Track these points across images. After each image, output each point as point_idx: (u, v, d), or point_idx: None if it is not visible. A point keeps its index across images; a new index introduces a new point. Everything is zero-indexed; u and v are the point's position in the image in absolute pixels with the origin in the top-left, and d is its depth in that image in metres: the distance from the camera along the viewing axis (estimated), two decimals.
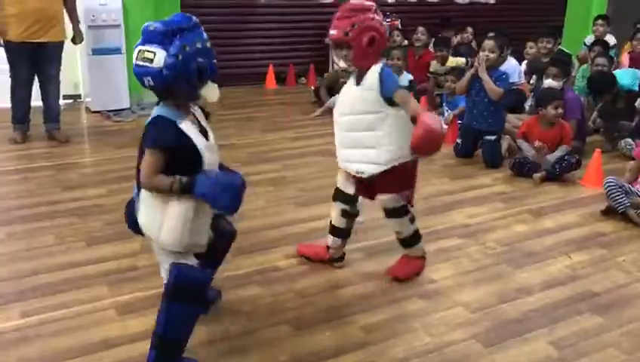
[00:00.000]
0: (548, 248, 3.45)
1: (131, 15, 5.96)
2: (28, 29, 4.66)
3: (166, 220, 2.14)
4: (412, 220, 3.00)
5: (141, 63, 2.03)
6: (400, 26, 7.39)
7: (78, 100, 6.25)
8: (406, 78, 5.71)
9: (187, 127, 2.13)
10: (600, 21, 7.16)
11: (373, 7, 2.74)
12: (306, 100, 6.65)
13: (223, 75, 6.98)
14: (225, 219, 2.48)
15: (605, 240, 3.58)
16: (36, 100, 5.06)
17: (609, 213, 3.85)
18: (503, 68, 5.13)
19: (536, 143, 4.56)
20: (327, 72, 6.88)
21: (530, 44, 6.39)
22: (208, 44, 2.10)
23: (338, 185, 3.04)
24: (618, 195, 3.79)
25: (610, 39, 6.96)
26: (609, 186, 3.83)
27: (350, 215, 3.05)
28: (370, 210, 3.75)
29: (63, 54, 5.00)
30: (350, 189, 2.99)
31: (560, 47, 6.91)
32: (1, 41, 4.74)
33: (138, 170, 2.18)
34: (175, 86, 2.06)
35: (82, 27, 5.58)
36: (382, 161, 2.80)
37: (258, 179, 4.28)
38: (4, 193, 3.96)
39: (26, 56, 4.75)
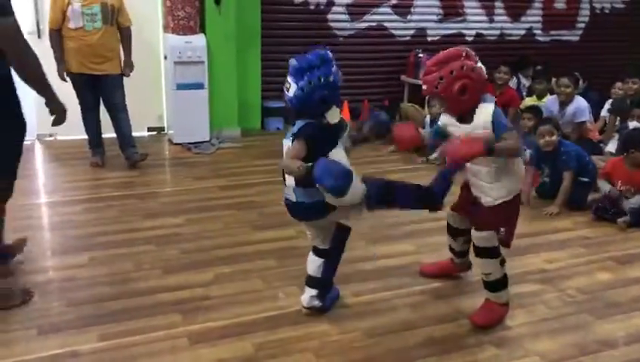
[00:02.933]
0: (634, 299, 3.24)
1: (215, 52, 6.22)
2: (85, 62, 5.02)
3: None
4: (502, 263, 2.92)
5: (285, 90, 2.64)
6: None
7: (162, 133, 6.54)
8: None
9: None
10: None
11: (463, 53, 2.72)
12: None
13: None
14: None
15: None
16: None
17: None
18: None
19: (619, 185, 4.34)
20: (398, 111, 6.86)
21: (618, 84, 6.16)
22: (331, 78, 2.59)
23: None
24: None
25: None
26: None
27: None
28: (440, 251, 3.71)
29: (150, 88, 5.27)
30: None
31: None
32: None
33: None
34: (302, 110, 2.65)
35: (169, 63, 5.90)
36: (493, 196, 2.83)
37: None
38: (88, 220, 4.16)
39: (87, 84, 5.11)
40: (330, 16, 7.19)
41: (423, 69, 7.16)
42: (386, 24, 7.44)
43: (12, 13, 2.71)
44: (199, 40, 6.03)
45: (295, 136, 2.65)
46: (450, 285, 3.31)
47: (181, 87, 5.99)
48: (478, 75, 2.72)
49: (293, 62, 2.59)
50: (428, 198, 2.87)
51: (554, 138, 4.55)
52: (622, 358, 2.71)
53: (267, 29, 6.83)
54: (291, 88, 2.58)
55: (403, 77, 7.41)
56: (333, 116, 2.66)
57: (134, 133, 5.42)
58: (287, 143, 2.70)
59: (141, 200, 4.57)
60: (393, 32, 7.50)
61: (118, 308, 2.99)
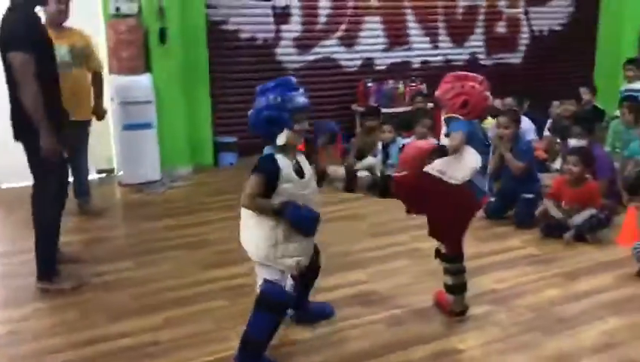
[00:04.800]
0: (582, 313, 3.30)
1: (162, 91, 6.18)
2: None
3: (259, 238, 2.70)
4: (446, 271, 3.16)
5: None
6: (425, 91, 7.45)
7: (112, 174, 6.43)
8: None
9: (282, 161, 2.68)
10: (629, 65, 7.07)
11: (479, 79, 3.04)
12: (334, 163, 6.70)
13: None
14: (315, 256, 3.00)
15: None
16: None
17: None
18: None
19: (564, 204, 4.45)
20: (353, 137, 6.93)
21: (556, 103, 6.36)
22: (279, 99, 2.64)
23: None
24: None
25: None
26: (638, 252, 3.72)
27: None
28: (393, 277, 3.72)
29: (98, 130, 5.15)
30: None
31: (594, 103, 6.88)
32: None
33: None
34: (254, 130, 2.73)
35: (116, 104, 5.84)
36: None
37: None
38: (31, 271, 4.02)
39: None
40: (278, 50, 7.24)
41: (372, 97, 7.23)
42: (334, 55, 7.53)
43: (23, 49, 3.30)
44: (145, 80, 5.99)
45: (254, 169, 2.70)
46: (400, 313, 3.31)
47: (129, 127, 5.92)
48: (483, 99, 3.02)
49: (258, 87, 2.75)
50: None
51: (508, 131, 4.75)
52: None
53: (216, 65, 6.83)
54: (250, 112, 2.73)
55: (354, 106, 7.50)
56: (281, 139, 2.68)
57: None
58: None
59: (87, 246, 4.45)
60: (341, 62, 7.60)
61: (62, 360, 2.88)
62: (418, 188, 2.99)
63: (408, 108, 7.28)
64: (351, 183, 3.16)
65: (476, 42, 8.28)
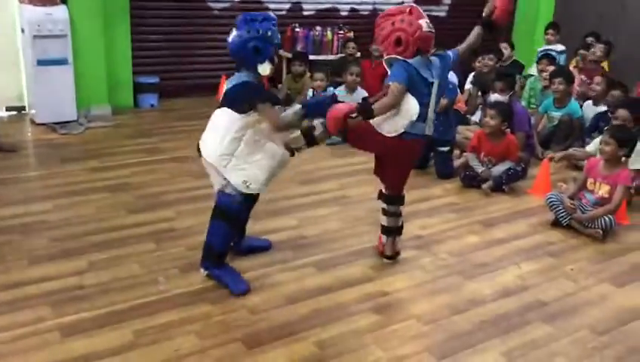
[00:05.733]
0: (498, 258, 3.50)
1: (79, 25, 5.80)
2: None
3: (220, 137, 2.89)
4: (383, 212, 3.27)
5: (228, 38, 2.87)
6: (353, 37, 7.43)
7: (23, 112, 6.03)
8: (360, 94, 5.72)
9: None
10: (550, 30, 7.38)
11: (407, 10, 2.98)
12: None
13: (175, 86, 6.96)
14: None
15: (554, 249, 3.66)
16: None
17: (558, 224, 3.94)
18: None
19: (483, 156, 4.64)
20: (280, 83, 6.85)
21: (478, 58, 6.53)
22: (269, 34, 2.82)
23: None
24: (560, 210, 3.90)
25: (559, 47, 7.20)
26: (550, 202, 3.96)
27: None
28: (322, 224, 3.78)
29: (6, 65, 4.80)
30: None
31: (514, 58, 7.12)
32: None
33: None
34: (237, 56, 2.87)
35: (27, 37, 5.44)
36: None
37: (209, 193, 4.19)
38: None
39: None
40: None
41: (300, 43, 7.09)
42: None
43: None
44: (61, 12, 5.58)
45: (257, 102, 2.82)
46: (330, 257, 3.38)
47: (42, 63, 5.53)
48: (415, 30, 2.92)
49: (240, 15, 2.87)
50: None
51: None
52: (489, 314, 2.91)
53: (136, 1, 6.47)
54: (231, 35, 2.84)
55: (281, 51, 7.36)
56: (265, 70, 2.86)
57: None
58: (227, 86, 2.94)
59: (1, 187, 4.20)
60: (269, 5, 7.40)
61: None
62: (358, 131, 2.99)
63: (336, 56, 7.26)
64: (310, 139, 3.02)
65: None
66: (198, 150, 3.04)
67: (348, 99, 5.63)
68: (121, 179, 4.42)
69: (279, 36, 2.92)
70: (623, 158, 4.03)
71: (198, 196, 4.10)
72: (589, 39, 7.28)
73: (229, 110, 2.88)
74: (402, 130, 2.98)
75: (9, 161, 4.71)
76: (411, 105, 2.97)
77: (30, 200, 3.98)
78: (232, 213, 2.96)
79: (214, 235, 2.98)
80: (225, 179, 2.91)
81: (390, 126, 2.99)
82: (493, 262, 3.44)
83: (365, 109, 2.90)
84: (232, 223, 2.99)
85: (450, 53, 3.21)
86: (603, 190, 3.91)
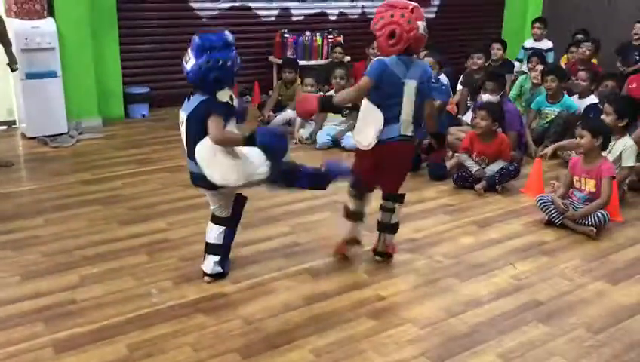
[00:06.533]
0: (493, 259, 3.49)
1: (67, 38, 5.78)
2: None
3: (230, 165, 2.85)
4: (349, 193, 3.32)
5: (183, 62, 2.82)
6: (342, 42, 7.43)
7: (13, 126, 6.01)
8: None
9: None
10: (537, 24, 7.40)
11: (410, 7, 2.98)
12: (251, 117, 6.59)
13: (166, 96, 6.94)
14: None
15: (548, 248, 3.65)
16: None
17: (551, 223, 3.93)
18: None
19: (475, 156, 4.64)
20: (271, 89, 6.85)
21: (469, 57, 6.55)
22: (229, 63, 2.80)
23: None
24: (552, 211, 3.90)
25: (548, 43, 7.22)
26: (541, 204, 3.97)
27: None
28: (315, 230, 3.76)
29: None
30: None
31: (505, 57, 7.13)
32: None
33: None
34: (196, 85, 2.84)
35: (14, 51, 5.40)
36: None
37: (202, 202, 4.17)
38: None
39: None
40: None
41: (289, 49, 7.10)
42: (250, 4, 7.31)
43: None
44: (48, 24, 5.56)
45: (211, 112, 2.79)
46: (324, 263, 3.36)
47: (31, 76, 5.51)
48: (411, 28, 2.95)
49: (196, 39, 2.78)
50: (322, 181, 3.19)
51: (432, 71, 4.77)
52: (485, 315, 2.90)
53: (124, 11, 6.46)
54: (189, 62, 2.78)
55: (271, 57, 7.37)
56: (223, 96, 2.84)
57: None
58: (183, 115, 2.92)
59: None
60: (257, 12, 7.40)
61: None
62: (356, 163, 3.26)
63: (325, 61, 7.26)
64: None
65: None
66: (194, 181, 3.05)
67: None
68: (113, 191, 4.40)
69: (239, 60, 2.88)
70: (604, 153, 4.05)
71: (190, 206, 4.09)
72: (579, 36, 7.31)
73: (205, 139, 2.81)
74: (376, 140, 3.04)
75: (1, 175, 4.68)
76: (376, 115, 3.04)
77: (22, 215, 3.95)
78: (233, 217, 3.12)
79: (215, 237, 3.10)
80: (218, 202, 3.04)
81: (364, 139, 3.09)
82: (489, 263, 3.44)
83: (326, 99, 3.11)
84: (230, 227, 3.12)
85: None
86: (589, 185, 3.92)
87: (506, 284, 3.20)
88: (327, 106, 3.12)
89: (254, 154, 2.87)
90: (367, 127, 3.07)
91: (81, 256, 3.38)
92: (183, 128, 2.93)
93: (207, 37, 2.79)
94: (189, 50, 2.79)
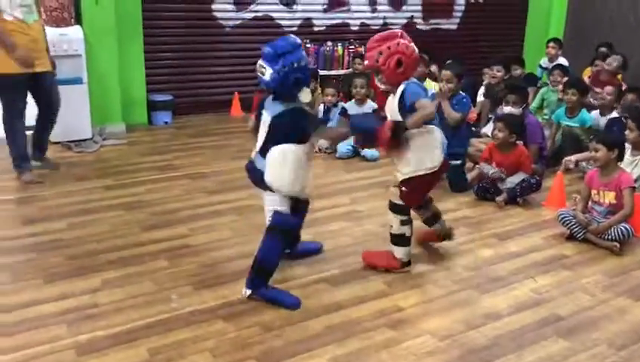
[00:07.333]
0: (514, 272, 3.47)
1: (93, 45, 5.90)
2: (32, 60, 4.50)
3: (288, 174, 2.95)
4: (403, 223, 3.27)
5: (259, 74, 2.91)
6: (364, 52, 7.46)
7: None
8: (369, 106, 5.75)
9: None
10: (552, 44, 7.38)
11: (399, 34, 3.11)
12: None
13: (189, 103, 7.02)
14: None
15: (569, 262, 3.62)
16: None
17: (573, 237, 3.90)
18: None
19: (494, 167, 4.61)
20: None
21: (486, 70, 6.54)
22: (303, 63, 2.91)
23: None
24: (573, 225, 3.86)
25: (563, 61, 7.17)
26: (563, 219, 3.93)
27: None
28: (334, 239, 3.77)
29: None
30: None
31: (526, 71, 7.08)
32: None
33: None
34: (279, 91, 2.93)
35: None
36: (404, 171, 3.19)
37: (223, 209, 4.23)
38: None
39: (25, 86, 4.60)
40: (214, 6, 7.03)
41: (311, 59, 7.12)
42: (272, 14, 7.39)
43: None
44: (75, 32, 5.68)
45: (313, 129, 3.06)
46: (343, 272, 3.37)
47: (57, 82, 5.60)
48: (412, 52, 3.10)
49: (267, 48, 2.87)
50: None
51: (451, 85, 4.77)
52: (505, 328, 2.88)
53: (149, 20, 6.57)
54: (267, 72, 2.86)
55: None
56: (305, 96, 2.95)
57: None
58: (266, 115, 3.00)
59: (17, 206, 4.25)
60: (280, 22, 7.47)
61: None
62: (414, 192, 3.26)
63: (346, 71, 7.29)
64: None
65: (414, 7, 8.32)
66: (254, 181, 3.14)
67: (357, 111, 5.68)
68: (135, 197, 4.45)
69: (307, 57, 3.05)
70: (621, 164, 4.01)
71: (212, 212, 4.13)
72: (603, 49, 7.26)
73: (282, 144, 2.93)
74: (442, 159, 3.17)
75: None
76: (436, 135, 3.17)
77: (46, 218, 4.02)
78: (291, 229, 3.11)
79: (268, 253, 3.01)
80: (277, 199, 3.01)
81: (430, 161, 3.15)
82: (509, 276, 3.41)
83: (399, 125, 3.05)
84: (286, 239, 3.08)
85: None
86: (609, 197, 3.88)
87: (526, 298, 3.18)
88: (401, 133, 3.07)
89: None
90: (430, 150, 3.15)
91: (103, 260, 3.42)
92: (264, 127, 3.02)
93: (276, 44, 2.88)
94: (262, 62, 2.87)
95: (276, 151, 2.93)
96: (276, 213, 3.01)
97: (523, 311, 3.04)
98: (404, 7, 8.25)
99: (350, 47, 7.63)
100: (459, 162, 4.79)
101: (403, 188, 3.19)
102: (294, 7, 7.49)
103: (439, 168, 3.21)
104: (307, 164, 3.03)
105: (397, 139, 3.07)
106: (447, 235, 3.63)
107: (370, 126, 3.16)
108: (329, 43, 7.57)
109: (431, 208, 3.54)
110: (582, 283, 3.36)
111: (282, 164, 2.93)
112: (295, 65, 2.86)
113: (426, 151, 3.15)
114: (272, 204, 3.03)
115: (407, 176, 3.17)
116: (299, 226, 3.24)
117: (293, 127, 2.94)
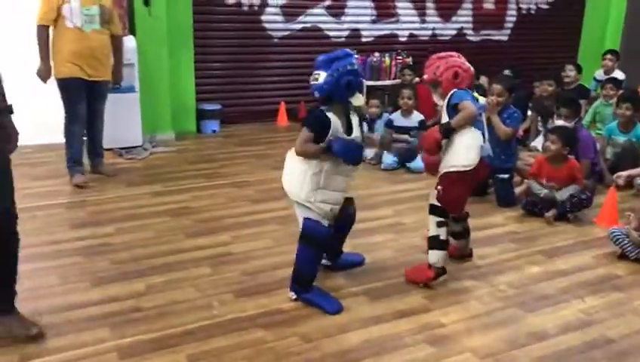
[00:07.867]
0: (561, 291, 3.35)
1: (145, 54, 6.06)
2: (83, 66, 4.73)
3: (303, 182, 2.99)
4: (439, 224, 3.25)
5: (312, 82, 2.97)
6: (412, 63, 7.42)
7: None
8: (416, 118, 5.71)
9: (333, 118, 2.97)
10: (609, 55, 7.17)
11: (455, 54, 3.30)
12: None
13: (236, 113, 7.12)
14: (350, 203, 3.31)
15: (621, 283, 3.48)
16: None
17: (625, 256, 3.75)
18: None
19: (545, 182, 4.49)
20: None
21: (536, 83, 6.39)
22: (355, 67, 2.98)
23: None
24: (625, 244, 3.72)
25: (619, 74, 6.94)
26: (615, 237, 3.78)
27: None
28: (377, 251, 3.73)
29: None
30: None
31: (580, 82, 6.88)
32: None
33: None
34: (331, 95, 2.95)
35: None
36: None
37: (267, 218, 4.26)
38: None
39: (81, 91, 4.81)
40: (264, 17, 7.13)
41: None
42: (321, 25, 7.45)
43: None
44: (129, 42, 5.85)
45: (303, 124, 3.03)
46: (384, 285, 3.33)
47: (111, 90, 5.78)
48: (468, 68, 3.26)
49: (320, 57, 2.98)
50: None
51: (501, 99, 4.71)
52: (550, 349, 2.79)
53: (200, 31, 6.71)
54: (320, 77, 2.93)
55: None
56: (358, 100, 3.05)
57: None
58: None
59: (68, 210, 4.39)
60: (328, 33, 7.51)
61: (41, 324, 2.84)
62: (452, 194, 3.29)
63: (393, 82, 7.26)
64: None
65: (464, 18, 8.24)
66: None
67: (403, 123, 5.64)
68: (181, 203, 4.54)
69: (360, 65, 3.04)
70: None
71: (255, 221, 4.16)
72: None
73: None
74: (477, 160, 3.19)
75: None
76: (475, 134, 3.20)
77: (94, 223, 4.13)
78: (320, 238, 3.03)
79: (302, 261, 3.06)
80: (308, 207, 3.01)
81: (465, 160, 3.19)
82: (556, 295, 3.30)
83: (447, 126, 3.18)
84: (318, 248, 3.07)
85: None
86: None
87: (573, 318, 3.07)
88: (450, 133, 3.19)
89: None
90: (467, 149, 3.18)
91: (148, 265, 3.49)
92: None
93: (329, 53, 3.00)
94: (316, 70, 2.96)
95: (290, 155, 3.05)
96: (306, 220, 3.03)
97: (570, 332, 2.93)
98: (453, 18, 8.18)
99: (398, 57, 7.59)
100: (507, 176, 4.69)
101: (439, 187, 3.24)
102: (342, 18, 7.52)
103: (476, 169, 3.20)
104: (337, 172, 3.02)
105: (444, 140, 3.21)
106: (467, 255, 3.67)
107: (353, 145, 3.01)
108: (376, 54, 7.56)
109: (464, 224, 3.58)
110: (634, 305, 3.23)
111: (295, 167, 3.03)
112: (348, 67, 2.94)
113: (463, 150, 3.18)
114: (300, 211, 3.08)
115: (442, 172, 3.25)
116: (329, 236, 3.11)
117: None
